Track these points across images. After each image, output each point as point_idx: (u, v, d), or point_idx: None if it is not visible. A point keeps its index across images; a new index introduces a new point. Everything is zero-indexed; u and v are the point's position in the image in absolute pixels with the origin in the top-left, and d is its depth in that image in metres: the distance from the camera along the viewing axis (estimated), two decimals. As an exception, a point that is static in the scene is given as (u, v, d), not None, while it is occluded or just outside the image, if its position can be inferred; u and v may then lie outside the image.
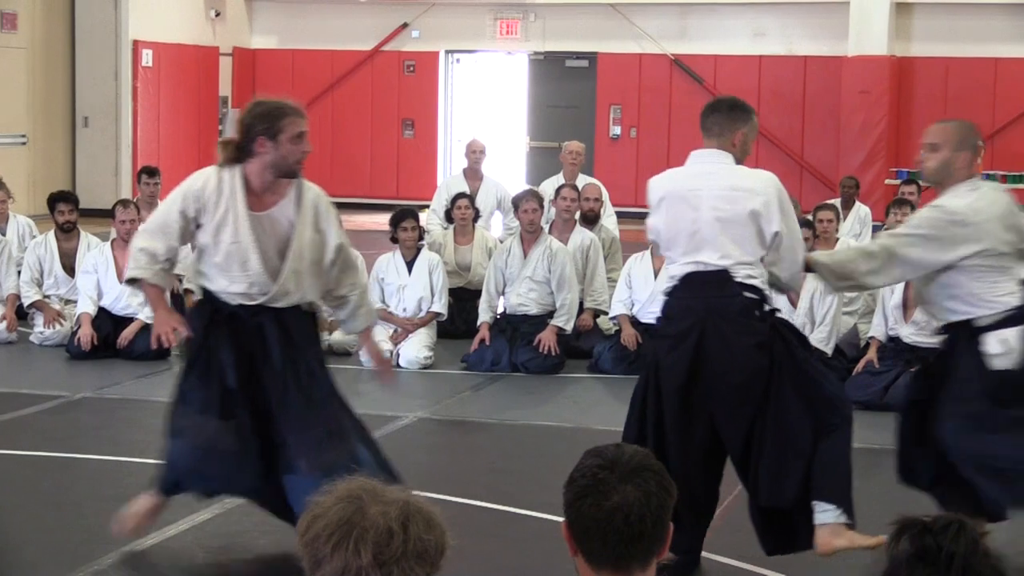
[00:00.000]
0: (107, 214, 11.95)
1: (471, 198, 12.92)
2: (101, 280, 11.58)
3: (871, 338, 10.46)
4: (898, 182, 17.82)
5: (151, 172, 13.81)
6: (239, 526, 7.01)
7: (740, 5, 23.68)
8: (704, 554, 6.55)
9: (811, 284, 10.69)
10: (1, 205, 13.32)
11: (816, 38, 23.29)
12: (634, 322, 11.22)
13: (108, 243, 11.79)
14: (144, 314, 11.44)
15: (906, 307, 10.22)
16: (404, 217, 11.69)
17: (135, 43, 22.99)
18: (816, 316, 10.64)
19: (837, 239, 12.45)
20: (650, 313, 11.17)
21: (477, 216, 12.87)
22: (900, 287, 10.18)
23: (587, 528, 2.75)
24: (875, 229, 14.68)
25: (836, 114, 22.75)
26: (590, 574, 2.78)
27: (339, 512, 2.43)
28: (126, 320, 11.47)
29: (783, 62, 23.53)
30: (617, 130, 24.35)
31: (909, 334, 10.20)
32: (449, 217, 12.85)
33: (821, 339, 10.56)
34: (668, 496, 2.77)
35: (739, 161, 6.85)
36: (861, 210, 15.25)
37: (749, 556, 6.60)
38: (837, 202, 15.09)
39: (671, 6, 23.94)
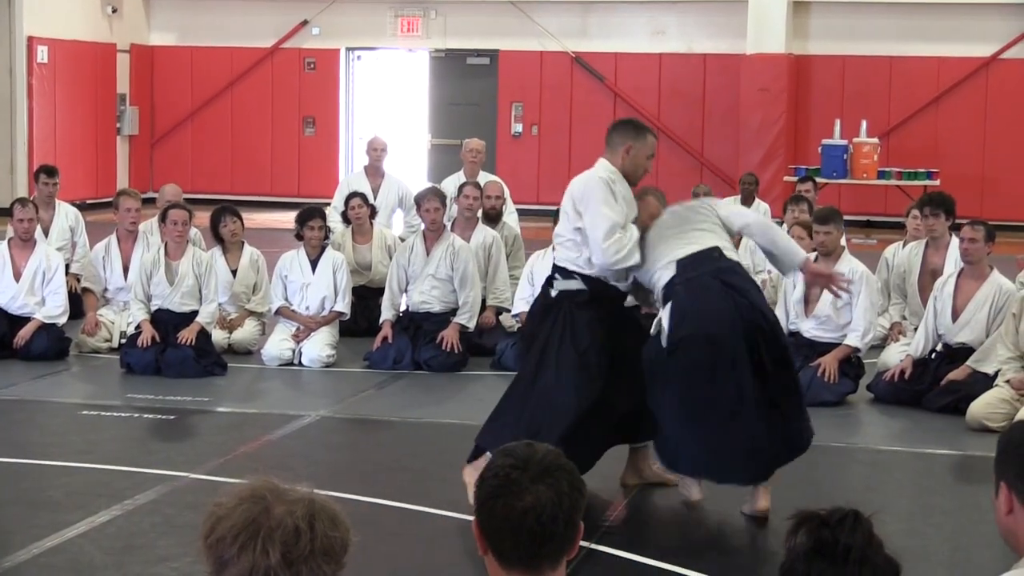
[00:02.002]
0: (3, 212, 11.80)
1: (364, 197, 12.85)
2: (-3, 280, 11.42)
3: (771, 333, 10.54)
4: (795, 179, 18.01)
5: (50, 172, 13.65)
6: (138, 527, 6.95)
7: (640, 4, 23.81)
8: (605, 549, 6.58)
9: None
10: None
11: (715, 36, 23.47)
12: (536, 319, 11.24)
13: (5, 242, 11.63)
14: (41, 314, 11.30)
15: (807, 302, 10.34)
16: (311, 216, 11.64)
17: (30, 39, 22.66)
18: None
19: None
20: (552, 310, 11.21)
21: (374, 214, 12.84)
22: (801, 283, 10.29)
23: (498, 528, 2.75)
24: (774, 226, 14.80)
25: (735, 112, 22.94)
26: (500, 573, 2.78)
27: (244, 513, 2.42)
28: (23, 320, 11.31)
29: (683, 60, 23.69)
30: (519, 128, 24.39)
31: (809, 329, 10.31)
32: (346, 218, 12.78)
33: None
34: (580, 496, 2.78)
35: (629, 174, 7.38)
36: (761, 207, 15.39)
37: (656, 552, 6.64)
38: (737, 199, 15.22)
39: (572, 4, 24.03)
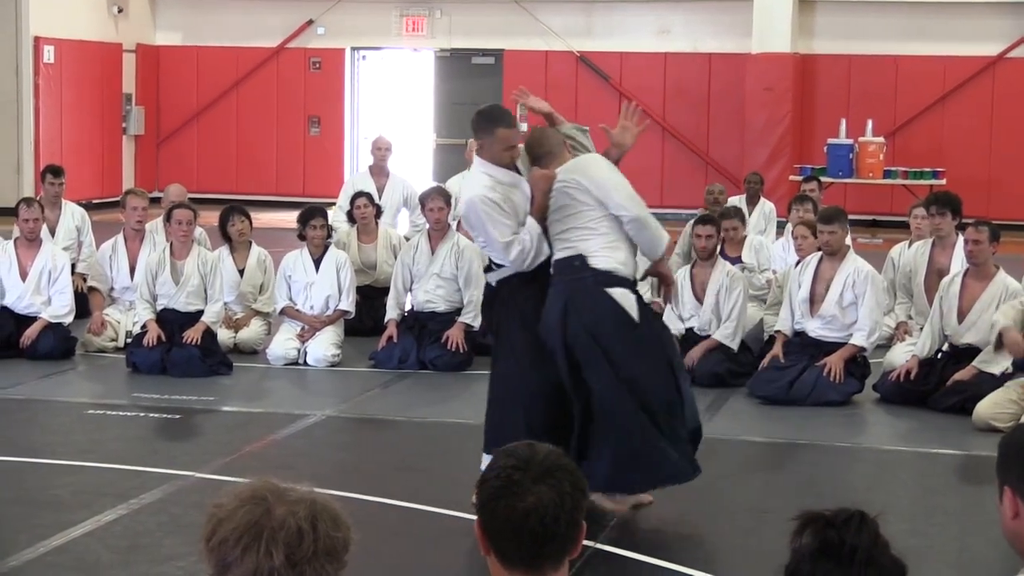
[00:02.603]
0: (9, 212, 11.81)
1: (370, 196, 12.86)
2: (4, 279, 11.42)
3: (777, 332, 10.55)
4: (801, 179, 17.99)
5: (56, 172, 13.67)
6: (144, 526, 6.96)
7: (646, 2, 23.80)
8: (610, 549, 6.59)
9: (718, 279, 10.80)
10: (-101, 203, 13.10)
11: (721, 35, 23.46)
12: (542, 319, 11.23)
13: (11, 241, 11.64)
14: (47, 313, 11.31)
15: (813, 302, 10.33)
16: (312, 215, 11.64)
17: (36, 39, 22.68)
18: (722, 311, 10.74)
19: (744, 236, 12.57)
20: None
21: (379, 214, 12.84)
22: (807, 282, 10.29)
23: (501, 528, 2.75)
24: (779, 225, 14.82)
25: (741, 111, 22.93)
26: (503, 573, 2.78)
27: (246, 515, 2.41)
28: (29, 319, 11.32)
29: (688, 59, 23.67)
30: (523, 127, 24.33)
31: (815, 328, 10.31)
32: (351, 217, 12.79)
33: (727, 335, 10.66)
34: (582, 496, 2.78)
35: (497, 163, 7.39)
36: (766, 206, 15.38)
37: (660, 552, 6.64)
38: (742, 199, 15.21)
39: (577, 3, 24.03)
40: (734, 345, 10.69)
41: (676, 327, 10.81)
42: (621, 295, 7.06)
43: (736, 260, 11.94)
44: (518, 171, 7.42)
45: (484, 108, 7.70)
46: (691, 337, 10.78)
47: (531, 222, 7.24)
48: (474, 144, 13.98)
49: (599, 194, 7.20)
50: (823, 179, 18.56)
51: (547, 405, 7.20)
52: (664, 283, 7.64)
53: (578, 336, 7.03)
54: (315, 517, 2.43)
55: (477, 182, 7.40)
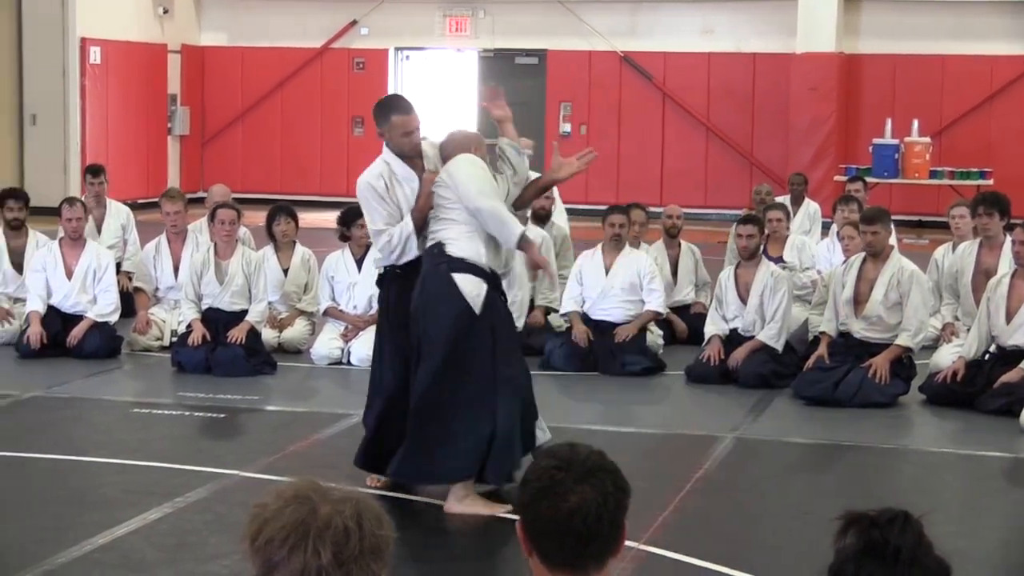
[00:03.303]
0: (55, 212, 11.89)
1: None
2: (50, 278, 11.51)
3: (821, 333, 10.50)
4: (846, 179, 17.91)
5: (95, 171, 13.75)
6: (190, 525, 6.99)
7: (690, 2, 23.75)
8: (655, 550, 6.58)
9: (762, 279, 10.76)
10: (-53, 203, 13.19)
11: (765, 35, 23.39)
12: (585, 319, 11.24)
13: (56, 241, 11.72)
14: (93, 312, 11.39)
15: (857, 302, 10.28)
16: (356, 216, 11.64)
17: (83, 40, 22.84)
18: (766, 312, 10.70)
19: (787, 236, 12.53)
20: (601, 310, 11.21)
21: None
22: (852, 283, 10.25)
23: (544, 529, 2.75)
24: (824, 226, 14.76)
25: (785, 111, 22.85)
26: (545, 574, 2.78)
27: (292, 514, 2.41)
28: (76, 318, 11.40)
29: (732, 59, 23.62)
30: (567, 127, 24.38)
31: (860, 329, 10.26)
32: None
33: (771, 335, 10.62)
34: (624, 496, 2.77)
35: (400, 154, 7.60)
36: (810, 207, 15.33)
37: (703, 553, 6.63)
38: (787, 199, 15.16)
39: (621, 3, 24.00)
40: (778, 346, 10.65)
41: (721, 328, 10.79)
42: (465, 280, 7.17)
43: (778, 259, 11.90)
44: (422, 162, 7.60)
45: (382, 98, 8.01)
46: (735, 338, 10.75)
47: (406, 220, 7.45)
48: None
49: (454, 187, 7.31)
50: (868, 179, 18.48)
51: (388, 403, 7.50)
52: (535, 267, 7.83)
53: (414, 317, 7.30)
54: (360, 516, 2.43)
55: (371, 168, 7.72)
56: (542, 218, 12.67)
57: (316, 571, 2.38)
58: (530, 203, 8.54)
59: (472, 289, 7.17)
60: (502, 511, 7.06)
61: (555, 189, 13.63)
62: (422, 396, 7.21)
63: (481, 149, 7.59)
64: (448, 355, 7.16)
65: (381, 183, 7.57)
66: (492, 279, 7.30)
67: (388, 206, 7.52)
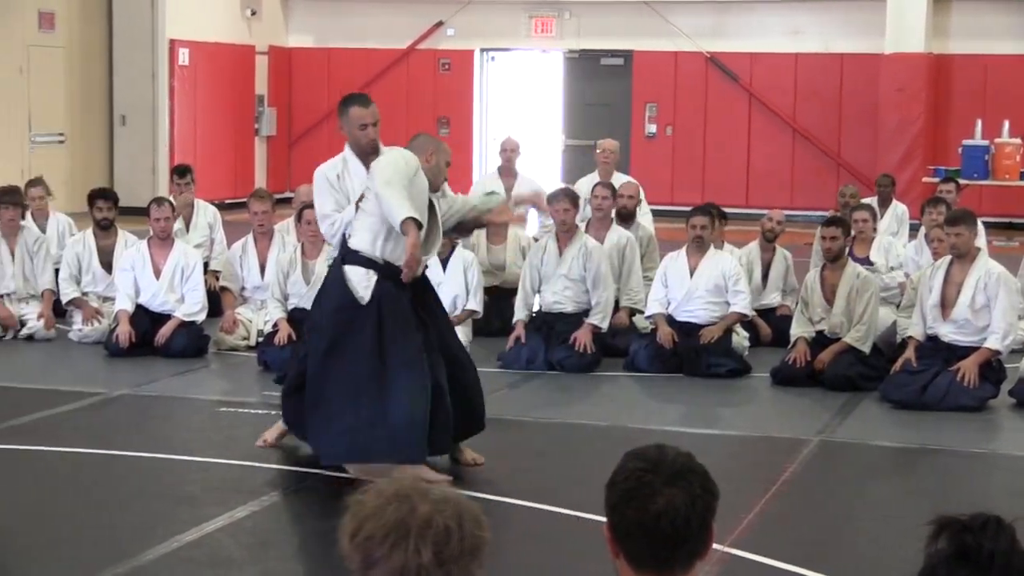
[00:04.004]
0: (144, 212, 12.03)
1: (500, 198, 12.90)
2: (139, 277, 11.63)
3: (909, 337, 10.40)
4: (936, 180, 17.72)
5: (181, 172, 13.89)
6: (275, 522, 7.04)
7: (777, 3, 23.61)
8: (740, 553, 6.54)
9: (848, 280, 10.67)
10: (40, 202, 13.39)
11: (853, 36, 23.19)
12: (670, 320, 11.20)
13: (145, 241, 11.85)
14: (180, 312, 11.50)
15: (944, 305, 10.17)
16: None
17: (172, 42, 23.08)
18: (853, 314, 10.61)
19: (874, 237, 12.43)
20: (686, 312, 11.17)
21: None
22: (938, 286, 10.14)
23: (631, 531, 2.74)
24: (912, 228, 14.62)
25: (873, 112, 22.66)
26: (632, 577, 2.77)
27: (393, 513, 2.42)
28: (164, 317, 11.52)
29: (820, 60, 23.45)
30: (652, 128, 24.32)
31: (947, 332, 10.14)
32: (482, 216, 12.82)
33: (858, 337, 10.53)
34: (712, 498, 2.75)
35: (358, 151, 8.03)
36: (898, 208, 15.18)
37: (788, 556, 6.59)
38: (874, 200, 15.03)
39: (707, 4, 23.90)
40: (865, 348, 10.56)
41: (807, 330, 10.71)
42: (352, 272, 7.55)
43: (864, 260, 11.80)
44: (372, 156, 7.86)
45: (346, 95, 8.34)
46: (821, 340, 10.66)
47: (349, 209, 7.87)
48: (610, 145, 14.12)
49: (371, 176, 7.65)
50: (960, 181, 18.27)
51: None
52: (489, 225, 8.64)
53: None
54: (461, 516, 2.44)
55: (330, 160, 8.18)
56: (625, 218, 12.65)
57: (416, 570, 2.39)
58: (470, 232, 9.03)
59: (359, 280, 7.53)
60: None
61: (641, 190, 13.67)
62: (309, 381, 7.67)
63: (436, 157, 7.83)
64: (331, 343, 7.56)
65: (334, 173, 8.07)
66: (387, 270, 7.52)
67: (337, 194, 8.01)
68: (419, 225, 7.22)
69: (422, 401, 7.48)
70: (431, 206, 7.72)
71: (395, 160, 7.55)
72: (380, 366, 7.47)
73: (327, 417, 7.63)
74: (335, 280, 7.68)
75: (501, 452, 8.98)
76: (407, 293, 7.57)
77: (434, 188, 7.81)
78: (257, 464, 8.16)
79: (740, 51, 23.72)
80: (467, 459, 8.15)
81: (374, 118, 7.97)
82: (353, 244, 7.63)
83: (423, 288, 7.83)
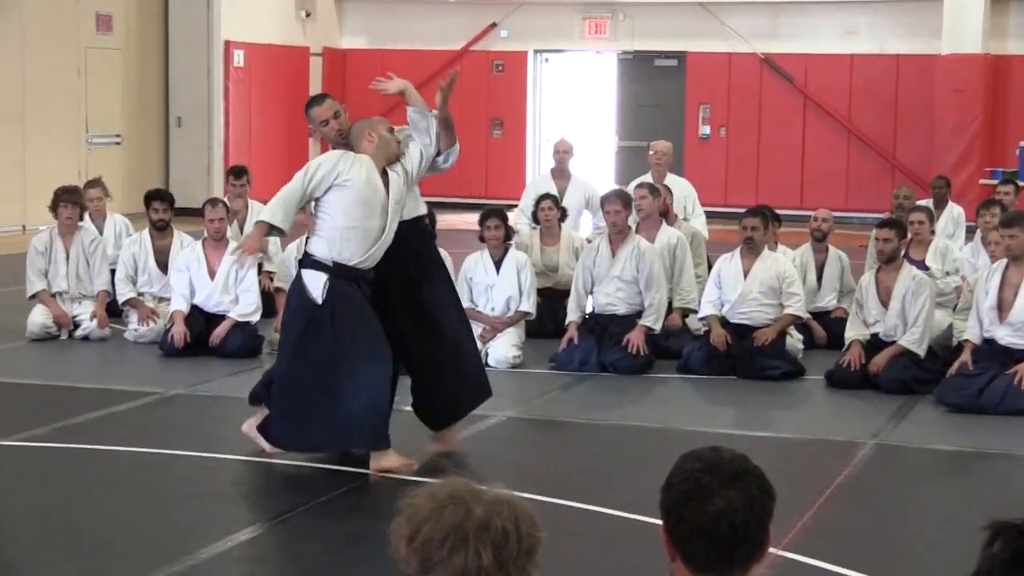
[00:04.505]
0: (199, 213, 12.10)
1: (555, 199, 12.90)
2: (193, 278, 11.70)
3: (965, 340, 10.32)
4: (994, 182, 17.58)
5: (238, 173, 13.95)
6: (329, 523, 7.06)
7: (832, 3, 23.50)
8: (794, 556, 6.52)
9: (904, 283, 10.60)
10: (99, 203, 13.48)
11: (909, 36, 23.05)
12: (723, 322, 11.16)
13: (200, 241, 11.92)
14: (235, 312, 11.56)
15: (1001, 309, 10.08)
16: (488, 216, 11.72)
17: (227, 43, 23.22)
18: (908, 317, 10.54)
19: (930, 240, 12.34)
20: (740, 314, 11.13)
21: (564, 217, 12.85)
22: (994, 289, 10.06)
23: (689, 533, 2.72)
24: (969, 230, 14.51)
25: (929, 113, 22.51)
26: (688, 579, 2.76)
27: (451, 515, 2.42)
28: (218, 318, 11.58)
29: (875, 61, 23.32)
30: (706, 130, 24.25)
31: (1004, 336, 10.06)
32: (536, 218, 12.85)
33: (913, 340, 10.46)
34: (770, 500, 2.74)
35: (328, 139, 8.63)
36: (954, 210, 15.06)
37: (842, 559, 6.55)
38: (930, 202, 14.92)
39: (762, 5, 23.82)
40: (921, 351, 10.48)
41: (861, 332, 10.65)
42: (307, 274, 7.95)
43: (920, 263, 11.72)
44: (347, 147, 8.29)
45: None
46: (876, 343, 10.60)
47: None
48: (662, 146, 14.08)
49: None
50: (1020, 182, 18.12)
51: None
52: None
53: None
54: (517, 517, 2.45)
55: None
56: (663, 215, 12.56)
57: (476, 571, 2.39)
58: (453, 139, 9.34)
59: (313, 281, 7.89)
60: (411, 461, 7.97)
61: (693, 191, 13.65)
62: (279, 378, 8.06)
63: (377, 130, 8.34)
64: (295, 341, 7.93)
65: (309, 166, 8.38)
66: (340, 271, 7.88)
67: (303, 178, 8.26)
68: (268, 227, 8.00)
69: (381, 390, 7.88)
70: (399, 180, 8.40)
71: (301, 170, 8.13)
72: (340, 360, 7.82)
73: (305, 410, 7.94)
74: (293, 284, 8.12)
75: (553, 454, 8.98)
76: (361, 290, 7.96)
77: (394, 158, 8.37)
78: (310, 464, 8.18)
79: (794, 52, 23.62)
80: (444, 442, 8.53)
81: (332, 110, 8.38)
82: (309, 248, 8.07)
83: (415, 271, 8.35)
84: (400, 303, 8.25)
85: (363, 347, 7.87)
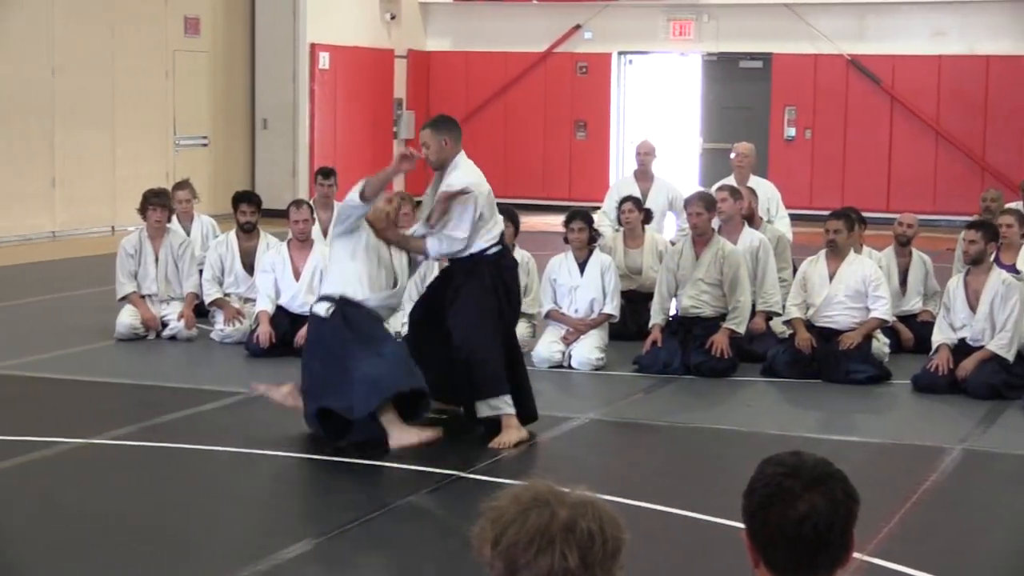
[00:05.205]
0: (284, 214, 12.19)
1: (637, 201, 12.87)
2: (279, 279, 11.78)
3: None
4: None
5: (327, 173, 14.04)
6: (407, 526, 7.08)
7: (920, 4, 23.27)
8: (880, 562, 6.46)
9: (992, 286, 10.47)
10: (187, 205, 13.62)
11: (999, 37, 22.78)
12: (808, 326, 11.08)
13: (285, 243, 12.00)
14: (320, 313, 11.62)
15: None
16: (573, 218, 11.70)
17: (312, 46, 23.37)
18: (996, 321, 10.41)
19: (1022, 244, 12.18)
20: (825, 317, 11.04)
21: (648, 219, 12.80)
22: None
23: (772, 538, 2.70)
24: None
25: (1019, 115, 22.24)
26: (772, 584, 2.74)
27: (536, 518, 2.42)
28: (303, 318, 11.63)
29: (964, 62, 23.06)
30: (792, 131, 24.09)
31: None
32: (619, 220, 12.82)
33: (1002, 345, 10.33)
34: (854, 504, 2.71)
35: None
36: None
37: (928, 566, 6.49)
38: (1019, 205, 14.73)
39: (848, 6, 23.63)
40: (1009, 356, 10.35)
41: (949, 336, 10.54)
42: (318, 305, 8.87)
43: (1011, 267, 11.57)
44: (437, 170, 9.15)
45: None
46: (964, 347, 10.48)
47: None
48: (743, 148, 13.98)
49: None
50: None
51: None
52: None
53: None
54: (601, 519, 2.44)
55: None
56: (748, 218, 12.47)
57: (562, 574, 2.39)
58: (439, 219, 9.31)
59: (319, 309, 8.82)
60: (430, 434, 8.50)
61: (776, 193, 13.56)
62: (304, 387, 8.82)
63: (378, 202, 8.86)
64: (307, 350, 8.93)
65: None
66: (343, 301, 8.68)
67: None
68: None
69: (383, 364, 8.43)
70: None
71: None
72: (348, 344, 8.56)
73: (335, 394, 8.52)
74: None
75: (636, 456, 8.96)
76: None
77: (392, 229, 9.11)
78: (393, 464, 8.22)
79: (881, 53, 23.42)
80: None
81: (422, 139, 9.10)
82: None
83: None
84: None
85: (370, 335, 8.61)
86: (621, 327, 11.93)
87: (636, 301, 12.25)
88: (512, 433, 8.70)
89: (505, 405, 8.77)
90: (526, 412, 8.93)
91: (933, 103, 23.22)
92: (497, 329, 8.85)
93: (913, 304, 12.10)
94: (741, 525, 2.75)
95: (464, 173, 9.04)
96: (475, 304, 8.82)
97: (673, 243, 12.61)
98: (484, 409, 8.79)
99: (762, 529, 2.71)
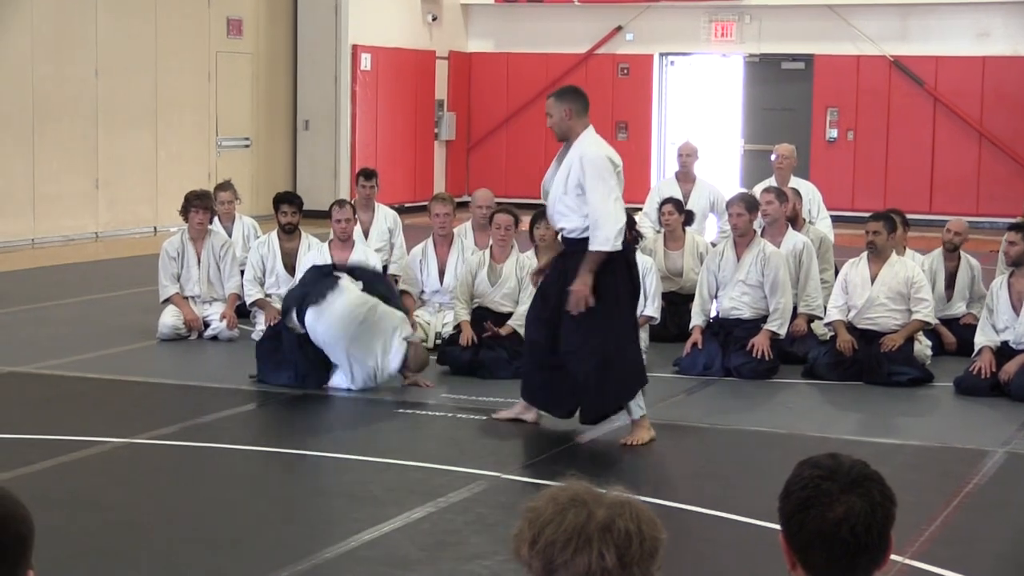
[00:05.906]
0: (326, 215, 12.23)
1: (678, 202, 12.84)
2: (320, 280, 11.80)
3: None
4: None
5: (368, 174, 14.09)
6: (451, 524, 7.10)
7: (963, 5, 23.14)
8: (920, 565, 6.43)
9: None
10: (228, 206, 13.68)
11: (1043, 38, 22.64)
12: (850, 328, 11.04)
13: (327, 243, 12.04)
14: (361, 314, 11.64)
15: None
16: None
17: (354, 47, 23.44)
18: (1040, 324, 10.35)
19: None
20: (867, 319, 11.00)
21: (689, 220, 12.78)
22: None
23: (810, 540, 2.70)
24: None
25: (1063, 116, 22.10)
26: (809, 588, 2.73)
27: (574, 518, 2.44)
28: (344, 319, 11.67)
29: (1008, 63, 22.92)
30: (834, 133, 24.00)
31: None
32: (660, 221, 12.80)
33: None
34: (892, 506, 2.71)
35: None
36: (1088, 216, 14.77)
37: (970, 569, 6.45)
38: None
39: (891, 7, 23.52)
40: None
41: (992, 339, 10.48)
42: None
43: (1056, 270, 11.50)
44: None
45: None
46: (1007, 350, 10.41)
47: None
48: (784, 149, 13.93)
49: None
50: None
51: None
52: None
53: None
54: (639, 519, 2.45)
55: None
56: (792, 220, 12.42)
57: (600, 573, 2.40)
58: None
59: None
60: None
61: (818, 194, 13.52)
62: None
63: None
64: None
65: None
66: None
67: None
68: None
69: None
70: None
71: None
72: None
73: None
74: None
75: (677, 458, 8.95)
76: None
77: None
78: (435, 466, 8.23)
79: (925, 54, 23.30)
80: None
81: (546, 111, 9.43)
82: None
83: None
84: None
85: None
86: (661, 329, 11.91)
87: (677, 303, 12.23)
88: (644, 432, 8.90)
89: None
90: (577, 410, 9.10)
91: (977, 104, 23.09)
92: (636, 326, 9.26)
93: (958, 308, 12.03)
94: (779, 527, 2.75)
95: (588, 145, 9.24)
96: (615, 303, 8.90)
97: (714, 244, 12.58)
98: (636, 410, 8.94)
99: (799, 531, 2.71)
